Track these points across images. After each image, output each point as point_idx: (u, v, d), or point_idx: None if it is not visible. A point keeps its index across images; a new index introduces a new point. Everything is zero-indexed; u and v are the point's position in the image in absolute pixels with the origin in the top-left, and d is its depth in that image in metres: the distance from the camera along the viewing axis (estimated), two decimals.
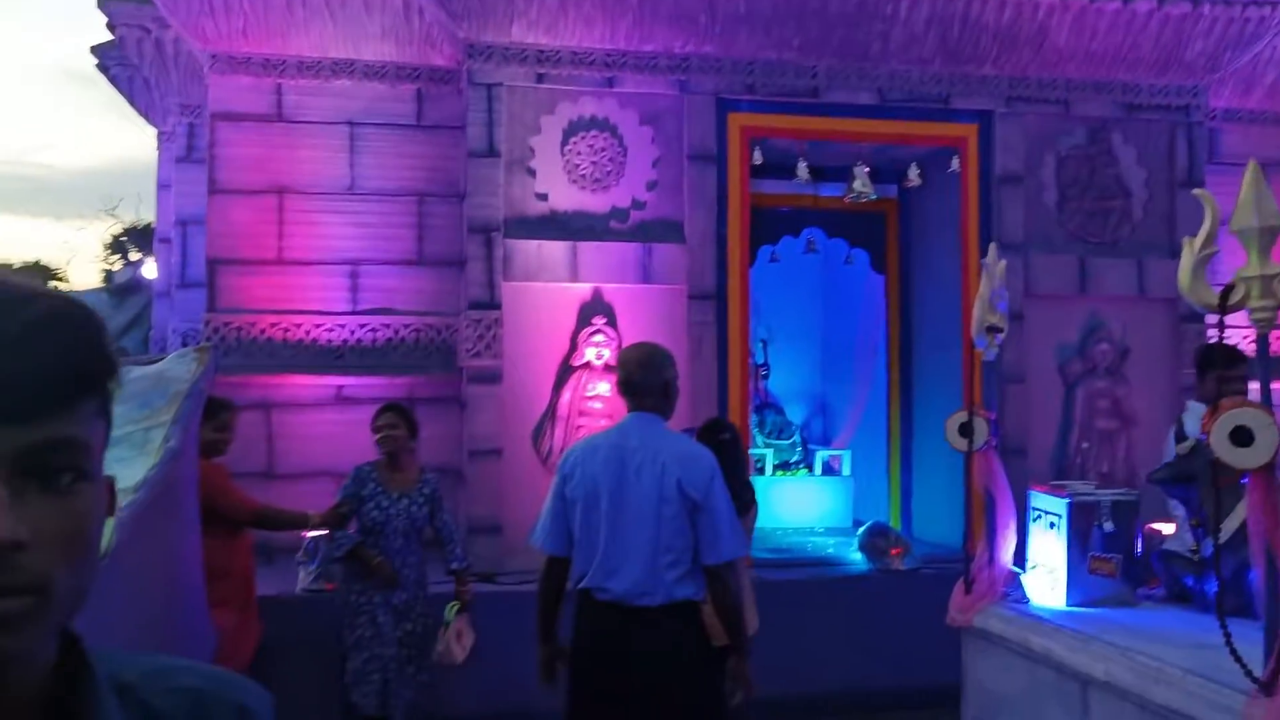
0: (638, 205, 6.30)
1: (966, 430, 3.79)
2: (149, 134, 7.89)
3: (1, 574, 0.67)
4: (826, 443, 8.05)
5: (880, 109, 6.52)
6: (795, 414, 8.16)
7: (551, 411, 6.14)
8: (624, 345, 6.11)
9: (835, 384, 8.29)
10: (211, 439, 4.29)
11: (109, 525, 0.77)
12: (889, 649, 5.63)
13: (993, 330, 3.75)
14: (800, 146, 6.54)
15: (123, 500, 3.09)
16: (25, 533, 0.68)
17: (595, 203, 6.26)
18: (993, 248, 3.94)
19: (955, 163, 6.65)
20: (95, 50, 7.99)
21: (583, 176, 6.25)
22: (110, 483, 0.79)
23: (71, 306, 0.73)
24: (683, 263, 6.30)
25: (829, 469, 7.56)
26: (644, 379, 3.18)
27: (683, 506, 3.08)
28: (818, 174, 6.75)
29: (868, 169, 6.62)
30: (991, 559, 3.76)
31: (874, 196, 6.74)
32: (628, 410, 3.24)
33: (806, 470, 7.54)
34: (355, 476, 4.53)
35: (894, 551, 6.05)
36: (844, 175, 6.75)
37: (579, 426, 6.12)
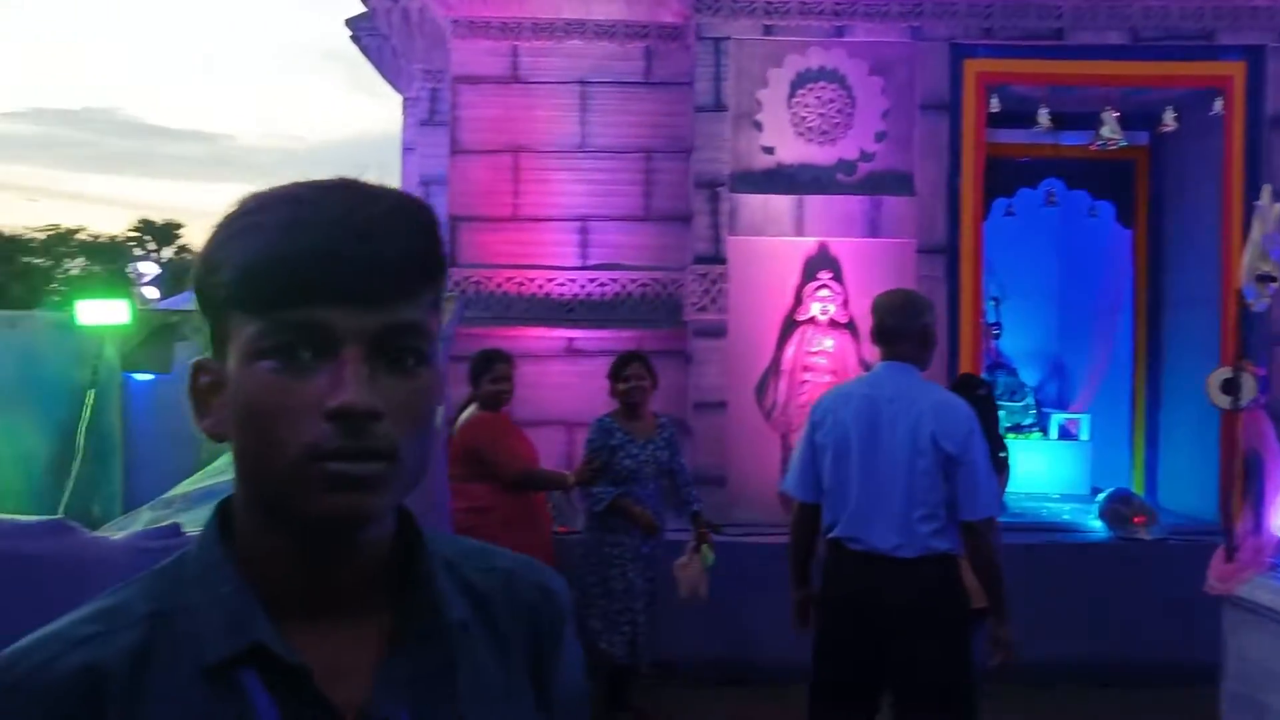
0: (866, 157, 6.16)
1: (1231, 387, 3.52)
2: (388, 105, 8.33)
3: (364, 439, 0.74)
4: (1062, 406, 7.67)
5: (1132, 49, 6.08)
6: (1028, 375, 7.81)
7: (775, 366, 6.13)
8: (849, 300, 6.14)
9: (1072, 344, 7.87)
10: (491, 391, 4.53)
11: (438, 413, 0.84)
12: (1127, 620, 5.34)
13: (1264, 279, 3.46)
14: (1041, 93, 6.20)
15: None
16: (382, 404, 0.75)
17: (822, 155, 6.16)
18: (1266, 190, 3.62)
19: (1218, 105, 6.12)
20: (349, 23, 8.52)
21: (810, 129, 6.16)
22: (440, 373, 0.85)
23: (416, 202, 0.80)
24: (912, 216, 6.13)
25: (1065, 433, 7.21)
26: (899, 325, 3.12)
27: (936, 460, 3.02)
28: (1060, 121, 6.37)
29: (1117, 114, 6.20)
30: (1259, 526, 3.50)
31: (1123, 144, 6.31)
32: (881, 359, 3.19)
33: (1040, 434, 7.22)
34: (600, 428, 4.65)
35: (1137, 520, 5.71)
36: (1089, 122, 6.35)
37: (802, 382, 6.09)
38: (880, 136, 6.16)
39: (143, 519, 2.28)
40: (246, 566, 0.79)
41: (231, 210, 0.80)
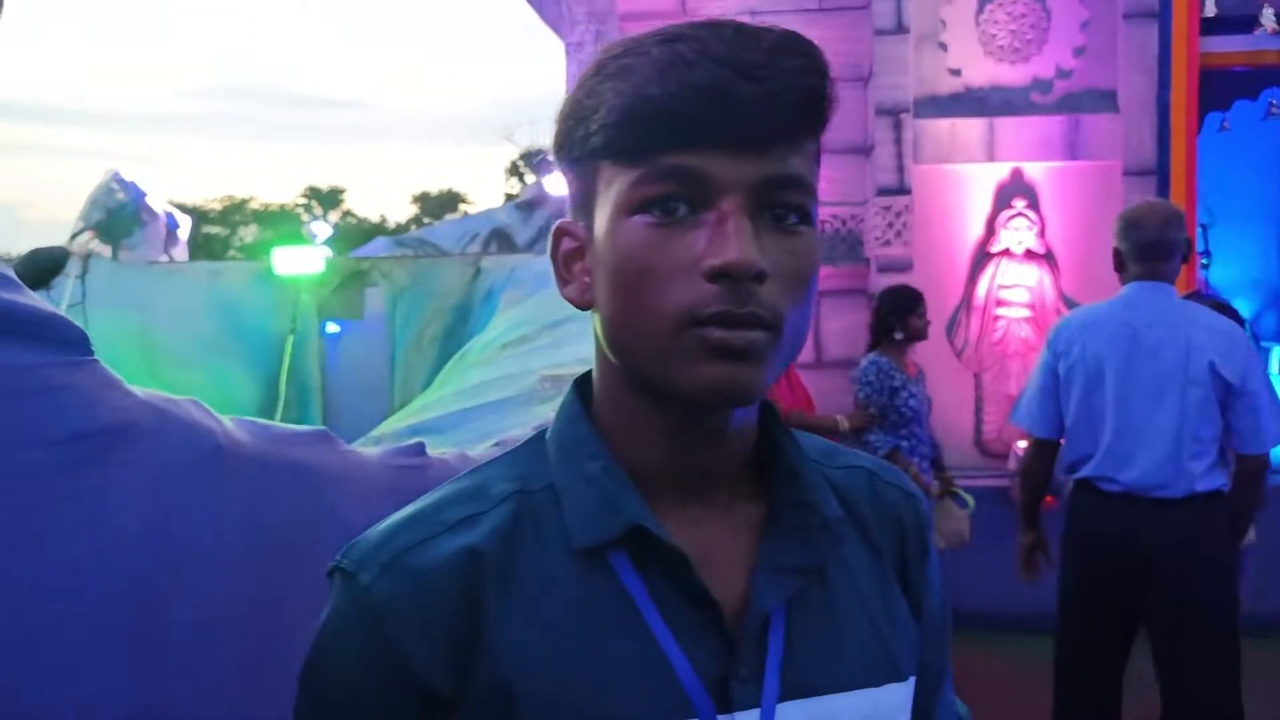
0: (1063, 74, 5.73)
1: None
2: (549, 58, 8.28)
3: (747, 304, 0.67)
4: None
5: None
6: (1243, 307, 7.20)
7: (966, 302, 5.81)
8: (1045, 229, 5.75)
9: None
10: (919, 326, 4.42)
11: None
12: None
13: None
14: None
15: (585, 368, 3.27)
16: (767, 264, 0.68)
17: (1014, 75, 5.76)
18: None
19: None
20: None
21: (1000, 48, 5.76)
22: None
23: (806, 40, 0.70)
24: (1117, 135, 5.67)
25: None
26: (1168, 239, 2.82)
27: (1213, 390, 2.74)
28: None
29: None
30: None
31: None
32: (1131, 279, 2.89)
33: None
34: (879, 369, 4.37)
35: None
36: None
37: (996, 318, 5.78)
38: (1079, 51, 5.71)
39: None
40: (611, 444, 0.75)
41: (602, 56, 0.72)
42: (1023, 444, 4.54)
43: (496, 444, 2.13)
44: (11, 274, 0.79)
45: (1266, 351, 6.81)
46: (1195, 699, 2.80)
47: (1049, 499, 3.33)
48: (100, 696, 0.78)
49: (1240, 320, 3.74)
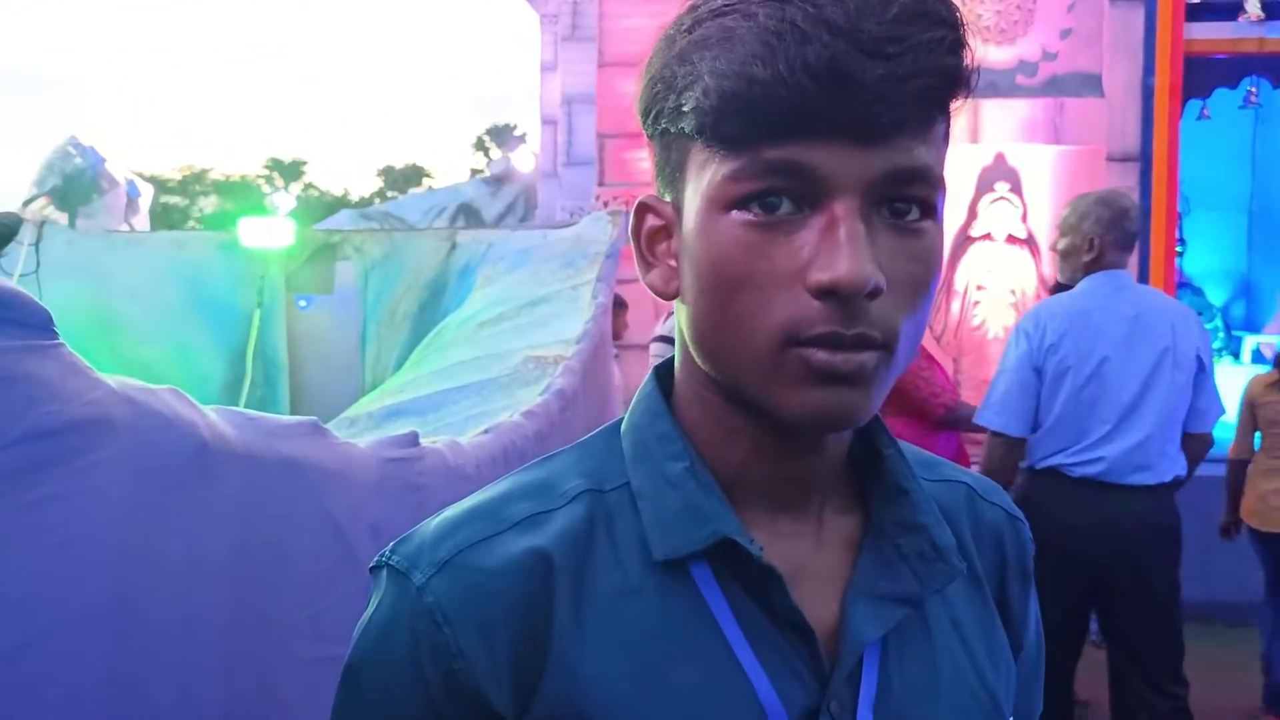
0: (1048, 56, 5.66)
1: None
2: (521, 31, 8.11)
3: (857, 324, 0.58)
4: (1253, 328, 7.08)
5: None
6: (1215, 295, 7.23)
7: (946, 286, 5.75)
8: (1028, 214, 5.70)
9: (1265, 260, 7.25)
10: None
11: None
12: None
13: None
14: None
15: (568, 350, 3.15)
16: (884, 280, 0.58)
17: (1000, 56, 5.68)
18: None
19: None
20: None
21: (986, 28, 5.68)
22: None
23: (942, 1, 0.58)
24: (1101, 120, 5.62)
25: (1259, 357, 6.65)
26: (1135, 229, 2.84)
27: (1191, 371, 2.77)
28: (1270, 11, 5.74)
29: None
30: None
31: None
32: (1099, 268, 2.87)
33: (1231, 357, 6.68)
34: None
35: None
36: None
37: (976, 303, 5.73)
38: (1065, 33, 5.65)
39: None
40: (695, 444, 0.66)
41: (698, 7, 0.60)
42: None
43: (486, 431, 2.01)
44: None
45: (1238, 340, 6.83)
46: (1147, 681, 2.84)
47: None
48: None
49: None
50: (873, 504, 0.68)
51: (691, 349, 0.65)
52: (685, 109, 0.60)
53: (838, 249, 0.57)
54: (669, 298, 0.65)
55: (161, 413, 0.76)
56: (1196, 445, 2.89)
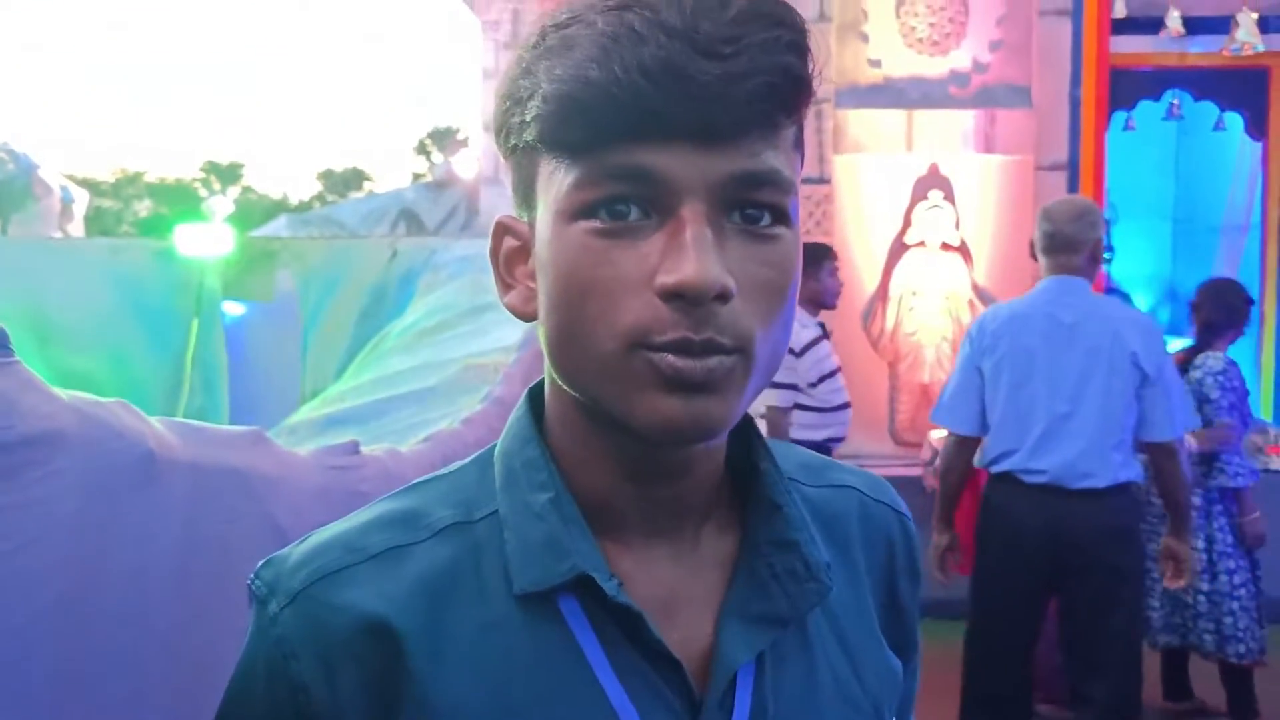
0: (980, 68, 5.81)
1: None
2: (463, 34, 8.10)
3: (706, 329, 0.57)
4: (1177, 332, 7.30)
5: None
6: (1140, 302, 7.44)
7: (882, 292, 5.87)
8: (960, 222, 5.84)
9: (1188, 267, 7.48)
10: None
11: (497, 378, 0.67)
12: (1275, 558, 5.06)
13: None
14: None
15: (508, 358, 3.18)
16: (732, 282, 0.58)
17: (933, 67, 5.82)
18: None
19: None
20: None
21: (920, 40, 5.82)
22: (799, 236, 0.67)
23: (779, 4, 0.59)
24: (1030, 130, 5.78)
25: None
26: (1076, 234, 2.88)
27: (1131, 380, 2.80)
28: (1190, 26, 5.95)
29: (1255, 15, 5.76)
30: None
31: (1261, 48, 5.88)
32: (1047, 272, 2.94)
33: None
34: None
35: (1273, 450, 5.40)
36: (1221, 27, 5.92)
37: (911, 309, 5.85)
38: (995, 45, 5.80)
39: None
40: (564, 469, 0.65)
41: (545, 21, 0.61)
42: (937, 435, 4.59)
43: (426, 439, 2.04)
44: None
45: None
46: (1104, 687, 2.87)
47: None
48: None
49: (1247, 295, 3.88)
50: (749, 521, 0.67)
51: (551, 368, 0.64)
52: (528, 119, 0.60)
53: (684, 252, 0.57)
54: (529, 319, 0.64)
55: (111, 425, 0.79)
56: (1154, 454, 2.92)
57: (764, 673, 0.65)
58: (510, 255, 0.66)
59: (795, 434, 4.05)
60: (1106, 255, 7.41)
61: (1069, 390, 2.85)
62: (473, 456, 0.70)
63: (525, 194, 0.64)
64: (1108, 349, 2.83)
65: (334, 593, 0.62)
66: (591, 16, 0.58)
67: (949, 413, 3.06)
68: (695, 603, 0.65)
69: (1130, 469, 2.88)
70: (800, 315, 4.11)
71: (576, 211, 0.59)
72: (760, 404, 4.16)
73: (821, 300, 4.32)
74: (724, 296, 0.57)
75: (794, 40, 0.59)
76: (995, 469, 2.96)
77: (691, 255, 0.56)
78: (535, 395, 0.69)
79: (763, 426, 4.22)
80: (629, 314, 0.58)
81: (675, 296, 0.57)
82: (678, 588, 0.65)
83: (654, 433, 0.59)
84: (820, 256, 4.32)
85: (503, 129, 0.64)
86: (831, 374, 4.17)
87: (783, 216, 0.61)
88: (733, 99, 0.56)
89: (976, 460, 3.09)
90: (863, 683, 0.69)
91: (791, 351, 4.04)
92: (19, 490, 0.68)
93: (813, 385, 4.11)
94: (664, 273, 0.57)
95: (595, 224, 0.58)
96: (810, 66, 0.60)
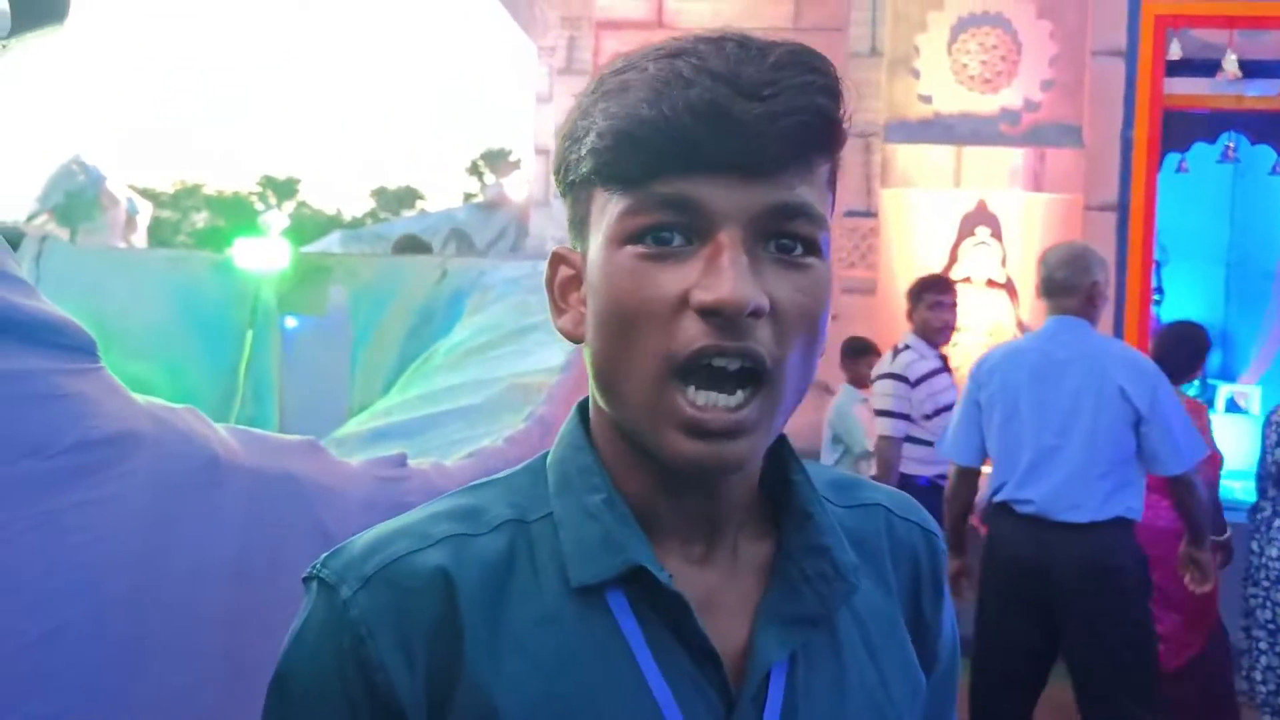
0: (1031, 107, 5.82)
1: None
2: (520, 61, 8.22)
3: (745, 338, 0.62)
4: (1228, 377, 7.22)
5: None
6: None
7: None
8: (1007, 259, 5.83)
9: (1241, 311, 7.40)
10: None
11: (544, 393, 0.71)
12: None
13: None
14: (1229, 37, 5.74)
15: (552, 379, 3.24)
16: (766, 300, 0.63)
17: (983, 105, 5.84)
18: None
19: None
20: None
21: (971, 78, 5.84)
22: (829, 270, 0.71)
23: (817, 55, 0.65)
24: (1080, 170, 5.76)
25: (1233, 406, 6.78)
26: (1068, 279, 2.98)
27: (1121, 414, 2.86)
28: (1247, 69, 5.91)
29: None
30: None
31: None
32: (1048, 314, 3.03)
33: (1207, 407, 6.80)
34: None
35: None
36: (1278, 71, 5.89)
37: (955, 344, 5.82)
38: (1047, 85, 5.81)
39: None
40: (613, 477, 0.70)
41: (603, 70, 0.67)
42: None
43: (470, 455, 2.10)
44: (19, 273, 0.75)
45: (1213, 389, 6.95)
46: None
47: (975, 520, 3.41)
48: (87, 712, 0.75)
49: (1206, 338, 3.82)
50: (783, 530, 0.72)
51: (594, 389, 0.69)
52: (584, 153, 0.66)
53: (721, 272, 0.61)
54: (578, 341, 0.69)
55: (181, 430, 0.85)
56: (1172, 488, 3.00)
57: (796, 672, 0.69)
58: (564, 283, 0.71)
59: (907, 469, 3.96)
60: (1156, 297, 7.36)
61: (1056, 424, 2.92)
62: (522, 465, 0.74)
63: (579, 226, 0.69)
64: (1095, 384, 2.89)
65: (407, 575, 0.66)
66: (645, 63, 0.65)
67: (951, 444, 3.18)
68: (732, 606, 0.69)
69: (1122, 504, 2.89)
70: (919, 346, 4.12)
71: (626, 237, 0.64)
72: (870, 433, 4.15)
73: (930, 335, 4.19)
74: (758, 313, 0.62)
75: (827, 85, 0.65)
76: (995, 499, 3.05)
77: (728, 275, 0.61)
78: (584, 409, 0.74)
79: (869, 462, 4.16)
80: (667, 335, 0.62)
81: (712, 313, 0.61)
82: (715, 591, 0.69)
83: (678, 467, 0.64)
84: (924, 289, 4.26)
85: (561, 166, 0.69)
86: (948, 408, 3.96)
87: (814, 248, 0.66)
88: (770, 136, 0.62)
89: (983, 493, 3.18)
90: (889, 691, 0.72)
91: (905, 381, 4.00)
92: (97, 486, 0.74)
93: (927, 418, 4.00)
94: (701, 289, 0.62)
95: (642, 249, 0.64)
96: (842, 109, 0.66)
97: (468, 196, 21.56)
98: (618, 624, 0.66)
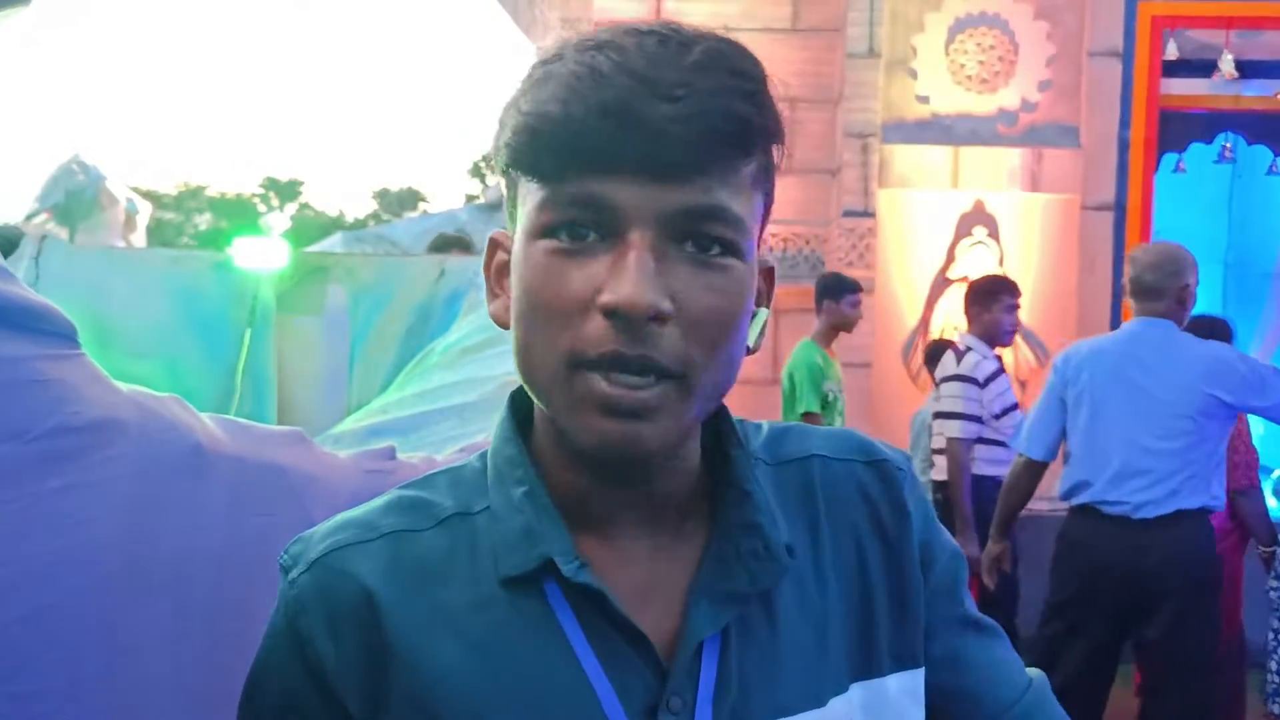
0: (1028, 107, 5.84)
1: None
2: (521, 62, 8.24)
3: (641, 346, 0.62)
4: None
5: None
6: None
7: (923, 327, 5.89)
8: (1005, 259, 5.85)
9: (1240, 312, 7.38)
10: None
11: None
12: None
13: None
14: (1225, 38, 5.76)
15: None
16: (668, 304, 0.62)
17: (981, 105, 5.86)
18: None
19: None
20: None
21: (968, 78, 5.86)
22: (769, 271, 0.72)
23: (739, 50, 0.65)
24: (1077, 170, 5.78)
25: None
26: (1158, 282, 2.99)
27: (1215, 414, 2.92)
28: (1243, 69, 5.93)
29: None
30: None
31: None
32: (1134, 314, 3.07)
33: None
34: None
35: None
36: (1274, 72, 5.92)
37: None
38: (1044, 85, 5.83)
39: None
40: (546, 466, 0.71)
41: (538, 55, 0.67)
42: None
43: (462, 449, 2.11)
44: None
45: None
46: (1171, 708, 2.96)
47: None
48: (62, 698, 0.76)
49: (1229, 332, 3.88)
50: (720, 507, 0.72)
51: (519, 377, 0.69)
52: (504, 144, 0.66)
53: (625, 273, 0.61)
54: (507, 328, 0.69)
55: (165, 417, 0.87)
56: (1235, 501, 3.23)
57: (729, 645, 0.69)
58: (499, 267, 0.72)
59: (979, 470, 3.98)
60: None
61: (1146, 426, 2.94)
62: (479, 452, 0.75)
63: (512, 212, 0.69)
64: (1183, 386, 2.92)
65: (345, 563, 0.69)
66: (569, 54, 0.64)
67: (1027, 437, 3.19)
68: (670, 587, 0.70)
69: (1201, 497, 2.93)
70: (980, 347, 4.11)
71: (540, 231, 0.64)
72: (942, 436, 4.14)
73: (995, 337, 4.17)
74: (660, 318, 0.62)
75: (746, 88, 0.63)
76: (1074, 501, 3.05)
77: (631, 276, 0.61)
78: (516, 398, 0.74)
79: (941, 462, 4.13)
80: (572, 332, 0.63)
81: (614, 314, 0.61)
82: (655, 575, 0.70)
83: (592, 450, 0.65)
84: (999, 291, 4.23)
85: (492, 150, 0.70)
86: (1014, 407, 4.05)
87: (733, 249, 0.65)
88: (679, 138, 0.61)
89: (1058, 492, 3.20)
90: (826, 652, 0.72)
91: (975, 382, 4.02)
92: (82, 471, 0.76)
93: (996, 418, 4.03)
94: (605, 291, 0.62)
95: (555, 243, 0.64)
96: (764, 112, 0.64)
97: (469, 198, 21.61)
98: (552, 609, 0.68)
